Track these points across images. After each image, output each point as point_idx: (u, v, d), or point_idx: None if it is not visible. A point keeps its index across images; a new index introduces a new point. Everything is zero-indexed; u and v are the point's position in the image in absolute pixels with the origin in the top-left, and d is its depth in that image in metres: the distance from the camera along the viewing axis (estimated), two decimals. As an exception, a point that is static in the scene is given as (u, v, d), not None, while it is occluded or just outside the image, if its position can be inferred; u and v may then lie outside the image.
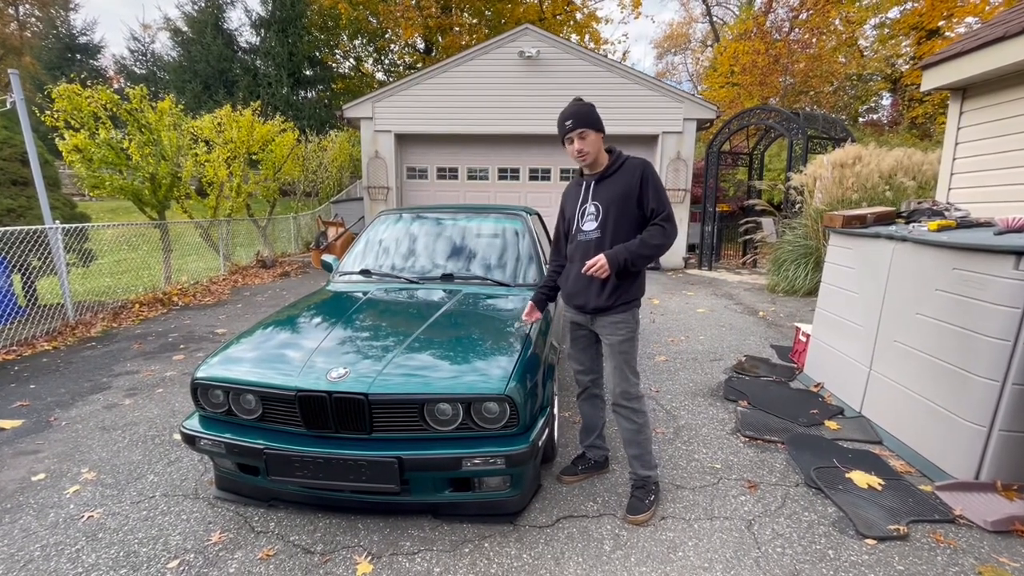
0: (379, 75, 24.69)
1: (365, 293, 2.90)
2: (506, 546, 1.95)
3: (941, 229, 2.78)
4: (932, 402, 2.49)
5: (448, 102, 9.50)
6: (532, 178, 10.11)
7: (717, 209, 9.94)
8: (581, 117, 2.01)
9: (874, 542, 1.96)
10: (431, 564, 1.85)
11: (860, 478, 2.39)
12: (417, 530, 2.04)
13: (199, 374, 2.11)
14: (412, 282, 3.08)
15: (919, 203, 3.32)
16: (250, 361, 2.17)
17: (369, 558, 1.88)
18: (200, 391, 2.11)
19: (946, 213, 3.11)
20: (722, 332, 5.20)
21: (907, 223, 3.19)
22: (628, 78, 9.43)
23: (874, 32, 22.76)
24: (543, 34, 9.45)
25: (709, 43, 28.55)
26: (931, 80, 3.72)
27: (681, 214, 9.87)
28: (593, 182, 2.12)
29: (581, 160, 2.07)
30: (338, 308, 2.74)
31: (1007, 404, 2.18)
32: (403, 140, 9.90)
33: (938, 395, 2.46)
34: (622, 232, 2.05)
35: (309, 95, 21.76)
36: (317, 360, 2.09)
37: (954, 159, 3.78)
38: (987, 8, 16.91)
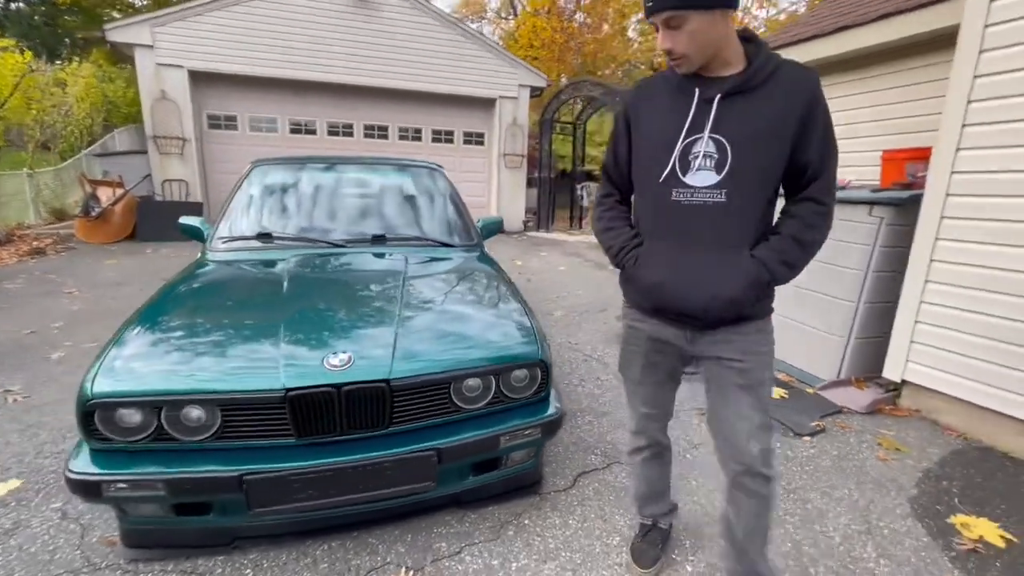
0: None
1: (285, 261, 2.28)
2: (546, 516, 1.83)
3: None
4: (807, 325, 3.15)
5: (262, 38, 7.92)
6: (368, 135, 9.24)
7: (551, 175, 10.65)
8: None
9: (809, 438, 2.43)
10: (485, 558, 1.62)
11: (774, 392, 2.92)
12: (443, 527, 1.76)
13: (99, 389, 1.42)
14: (337, 246, 2.54)
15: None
16: (182, 360, 1.53)
17: (410, 573, 1.55)
18: (100, 415, 1.42)
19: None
20: (591, 286, 5.68)
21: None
22: (467, 37, 9.22)
23: (637, 25, 26.49)
24: (375, -26, 8.52)
25: (504, 15, 29.59)
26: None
27: (520, 180, 10.29)
28: (718, 97, 1.13)
29: (677, 67, 1.16)
30: (263, 282, 2.12)
31: (859, 318, 2.88)
32: (202, 79, 7.95)
33: (812, 319, 3.12)
34: (758, 197, 1.17)
35: (19, 4, 15.69)
36: (295, 348, 1.58)
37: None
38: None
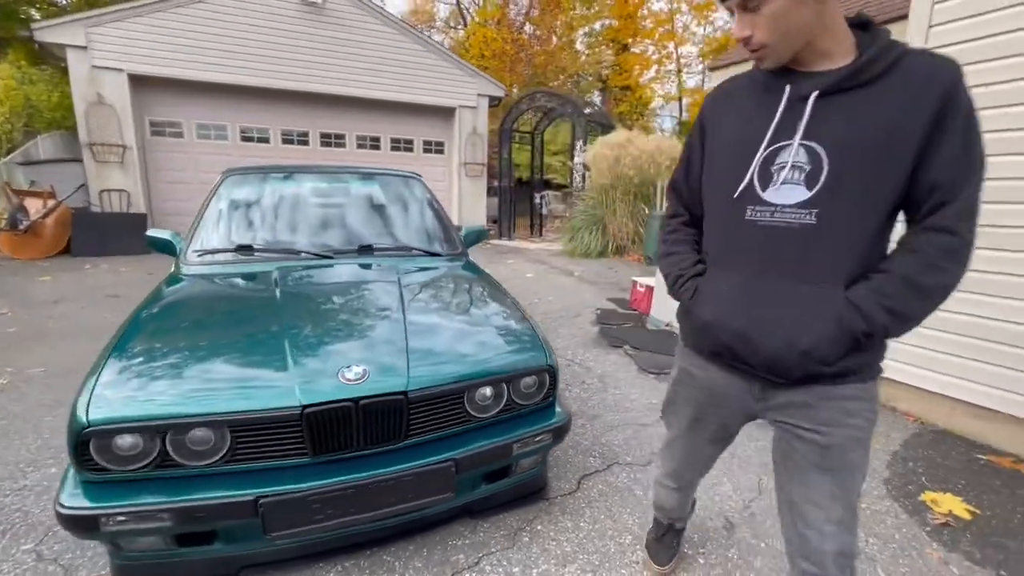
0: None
1: (271, 274, 2.20)
2: (557, 520, 1.86)
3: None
4: (772, 322, 3.35)
5: (211, 42, 7.58)
6: (325, 143, 9.00)
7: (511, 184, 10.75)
8: None
9: (786, 429, 2.58)
10: (505, 566, 1.63)
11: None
12: (457, 539, 1.74)
13: (95, 416, 1.31)
14: (322, 257, 2.47)
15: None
16: (185, 382, 1.45)
17: (433, 588, 1.53)
18: (96, 444, 1.32)
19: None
20: (560, 292, 5.77)
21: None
22: (425, 46, 9.20)
23: (584, 39, 27.19)
24: (329, -20, 8.36)
25: (454, 24, 29.57)
26: (716, 81, 4.83)
27: (480, 188, 10.33)
28: (814, 95, 0.92)
29: (759, 60, 0.98)
30: (254, 296, 2.04)
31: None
32: (144, 84, 7.49)
33: (777, 317, 3.32)
34: (861, 221, 0.93)
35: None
36: (306, 364, 1.53)
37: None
38: (657, 35, 22.43)
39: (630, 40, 23.39)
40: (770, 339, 0.97)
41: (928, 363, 2.63)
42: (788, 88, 0.95)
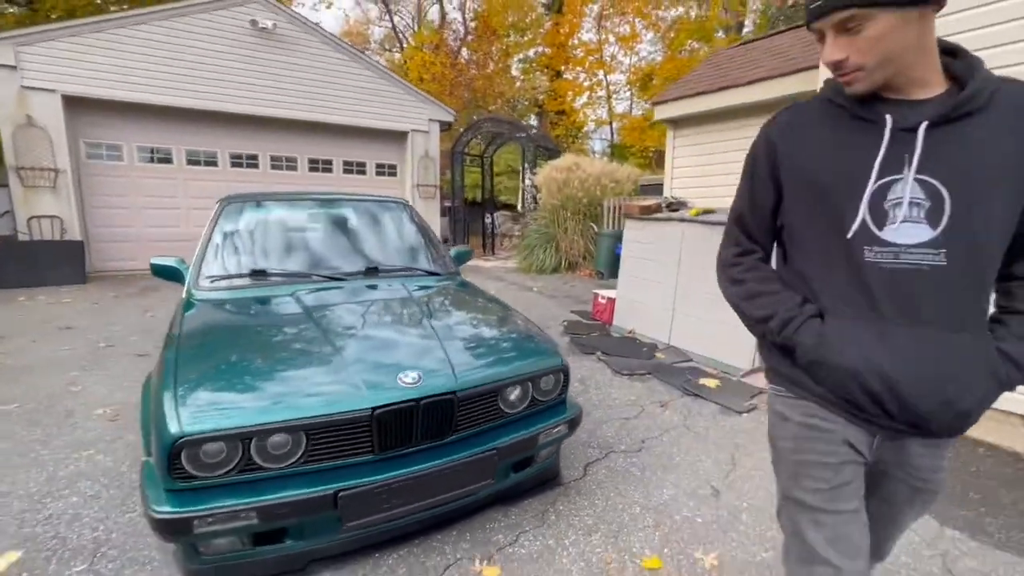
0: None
1: (294, 296, 2.35)
2: (574, 501, 2.14)
3: (700, 214, 4.22)
4: (723, 324, 3.84)
5: (153, 64, 7.36)
6: (276, 166, 8.89)
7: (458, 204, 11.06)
8: None
9: (745, 415, 3.03)
10: (540, 540, 1.88)
11: (707, 382, 3.52)
12: (493, 523, 1.98)
13: (189, 428, 1.45)
14: (334, 279, 2.64)
15: (672, 199, 4.86)
16: (261, 393, 1.61)
17: (484, 563, 1.76)
18: (187, 453, 1.46)
19: (686, 205, 4.69)
20: (525, 306, 6.08)
21: (672, 210, 4.65)
22: (378, 73, 9.39)
23: (520, 64, 28.16)
24: (281, 7, 8.39)
25: (388, 47, 29.69)
26: (660, 114, 5.46)
27: (434, 209, 10.54)
28: (924, 125, 0.88)
29: (847, 85, 0.92)
30: (287, 315, 2.18)
31: (764, 317, 3.62)
32: (79, 105, 7.13)
33: (726, 319, 3.82)
34: (991, 261, 0.92)
35: None
36: (366, 372, 1.74)
37: (672, 168, 5.65)
38: (588, 63, 23.81)
39: (563, 67, 24.53)
40: (926, 396, 0.88)
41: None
42: (890, 119, 0.88)
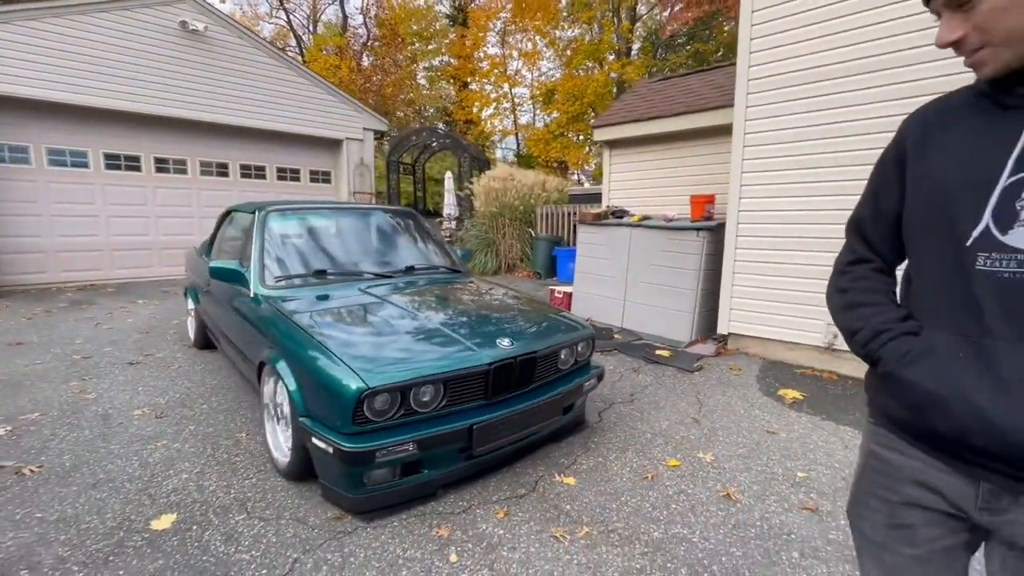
0: None
1: (365, 290, 2.82)
2: (603, 434, 2.85)
3: (641, 220, 5.20)
4: (666, 308, 4.82)
5: (66, 60, 6.82)
6: (206, 172, 8.54)
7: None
8: None
9: (697, 372, 3.97)
10: (591, 459, 2.57)
11: (662, 352, 4.44)
12: (554, 453, 2.62)
13: (373, 383, 1.93)
14: (385, 276, 3.11)
15: (615, 207, 5.80)
16: (411, 356, 2.14)
17: (560, 475, 2.40)
18: (367, 403, 1.94)
19: (628, 212, 5.66)
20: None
21: (617, 217, 5.59)
22: (311, 80, 9.40)
23: (426, 73, 28.34)
24: (213, 9, 8.13)
25: (282, 46, 28.14)
26: (599, 136, 6.41)
27: (369, 215, 10.70)
28: None
29: (975, 69, 0.82)
30: (372, 303, 2.65)
31: (698, 300, 4.65)
32: (-24, 102, 6.39)
33: (668, 304, 4.80)
34: None
35: None
36: (473, 340, 2.31)
37: (610, 182, 6.65)
38: (494, 76, 24.91)
39: (469, 79, 25.22)
40: None
41: (763, 321, 4.28)
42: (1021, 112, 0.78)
